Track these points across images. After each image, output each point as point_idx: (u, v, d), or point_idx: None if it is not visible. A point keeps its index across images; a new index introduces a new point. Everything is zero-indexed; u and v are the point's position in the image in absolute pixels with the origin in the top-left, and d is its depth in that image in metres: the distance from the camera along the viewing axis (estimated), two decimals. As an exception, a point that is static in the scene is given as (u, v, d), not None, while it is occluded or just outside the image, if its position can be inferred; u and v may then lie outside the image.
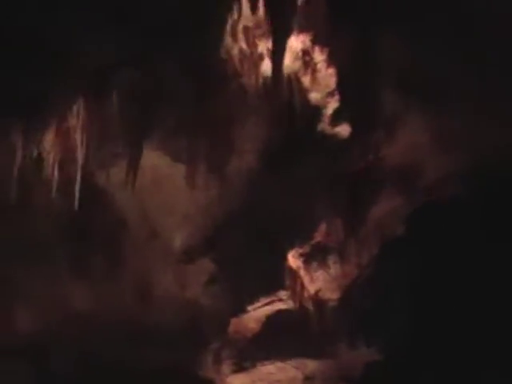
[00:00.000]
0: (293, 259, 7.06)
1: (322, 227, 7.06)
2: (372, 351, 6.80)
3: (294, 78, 6.95)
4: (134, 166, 7.59)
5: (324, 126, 6.92)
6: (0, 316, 8.94)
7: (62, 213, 8.60)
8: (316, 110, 6.97)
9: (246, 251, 7.79)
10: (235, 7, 6.62)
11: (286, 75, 6.99)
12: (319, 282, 7.01)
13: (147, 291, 8.78)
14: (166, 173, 8.08)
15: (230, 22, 6.70)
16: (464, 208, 6.63)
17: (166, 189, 8.22)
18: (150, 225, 8.56)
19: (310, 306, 7.11)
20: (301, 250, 7.10)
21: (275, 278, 7.27)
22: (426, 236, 6.73)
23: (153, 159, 8.04)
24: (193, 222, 8.26)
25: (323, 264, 7.00)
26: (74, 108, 7.24)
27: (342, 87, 6.75)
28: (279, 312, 7.40)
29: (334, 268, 6.99)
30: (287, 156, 7.47)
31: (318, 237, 7.06)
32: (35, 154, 7.40)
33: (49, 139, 7.40)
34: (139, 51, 6.85)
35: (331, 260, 7.01)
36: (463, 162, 6.42)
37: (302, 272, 7.09)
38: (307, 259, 7.02)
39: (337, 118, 6.84)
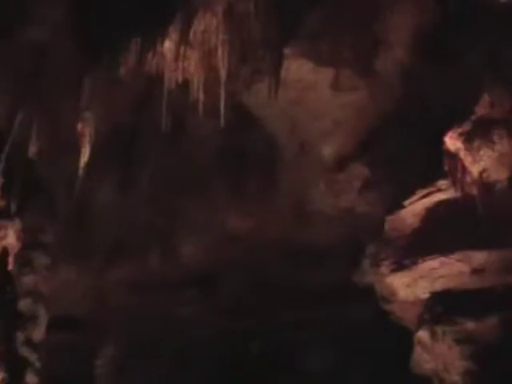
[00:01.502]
0: (451, 141, 5.83)
1: (485, 98, 5.61)
2: None
3: None
4: (276, 76, 6.45)
5: None
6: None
7: (214, 137, 7.83)
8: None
9: (400, 148, 6.58)
10: None
11: None
12: (483, 161, 5.55)
13: (302, 207, 7.78)
14: (311, 81, 6.98)
15: None
16: None
17: (313, 97, 7.14)
18: (299, 138, 7.55)
19: (474, 191, 5.64)
20: (460, 130, 5.73)
21: (433, 167, 5.97)
22: None
23: (295, 68, 6.83)
24: (342, 127, 7.15)
25: (487, 140, 5.55)
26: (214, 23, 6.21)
27: None
28: (439, 203, 6.21)
29: (501, 143, 5.51)
30: (442, 41, 6.12)
31: (481, 110, 5.62)
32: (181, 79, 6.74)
33: (193, 62, 6.38)
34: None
35: (496, 135, 5.55)
36: None
37: (462, 154, 5.72)
38: (468, 137, 5.63)
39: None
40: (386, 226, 6.75)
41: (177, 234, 8.77)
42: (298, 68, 7.34)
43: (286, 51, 6.99)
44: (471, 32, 6.05)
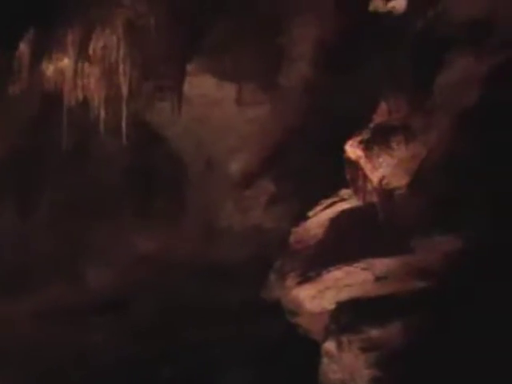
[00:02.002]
0: (351, 149, 5.83)
1: (383, 105, 5.67)
2: (450, 238, 5.33)
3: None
4: (178, 93, 6.37)
5: (377, 3, 5.59)
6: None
7: (118, 157, 7.65)
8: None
9: (305, 161, 6.59)
10: None
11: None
12: (382, 168, 5.60)
13: (210, 225, 7.67)
14: (215, 96, 6.93)
15: None
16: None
17: (218, 114, 7.08)
18: (205, 155, 7.46)
19: (375, 198, 5.67)
20: (359, 137, 5.77)
21: (336, 177, 5.98)
22: (505, 104, 5.23)
23: (199, 84, 6.74)
24: (248, 143, 7.11)
25: (386, 147, 5.61)
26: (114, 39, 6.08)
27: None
28: (343, 213, 6.17)
29: (399, 149, 5.59)
30: (342, 53, 6.19)
31: (379, 118, 5.68)
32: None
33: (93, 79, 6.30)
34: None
35: (394, 141, 5.62)
36: None
37: (362, 161, 5.75)
38: (367, 145, 5.67)
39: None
40: (291, 239, 6.71)
41: (82, 259, 8.45)
42: (201, 84, 7.25)
43: (189, 67, 6.88)
44: (369, 42, 6.13)
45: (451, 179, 5.59)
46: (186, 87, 7.12)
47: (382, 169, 5.83)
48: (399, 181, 5.84)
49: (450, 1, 5.42)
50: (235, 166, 7.70)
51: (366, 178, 5.98)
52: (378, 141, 5.79)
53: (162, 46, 6.37)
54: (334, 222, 6.41)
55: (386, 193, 5.90)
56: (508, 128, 5.48)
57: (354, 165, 6.00)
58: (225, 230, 8.04)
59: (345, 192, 6.37)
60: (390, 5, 5.87)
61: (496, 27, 5.26)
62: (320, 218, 6.48)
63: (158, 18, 6.19)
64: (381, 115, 5.82)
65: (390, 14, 5.89)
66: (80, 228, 8.14)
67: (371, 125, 5.88)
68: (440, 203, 5.68)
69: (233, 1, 6.26)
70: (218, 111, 7.52)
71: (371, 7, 5.98)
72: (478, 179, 5.52)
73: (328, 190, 6.44)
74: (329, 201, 6.46)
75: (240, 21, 6.34)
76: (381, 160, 5.82)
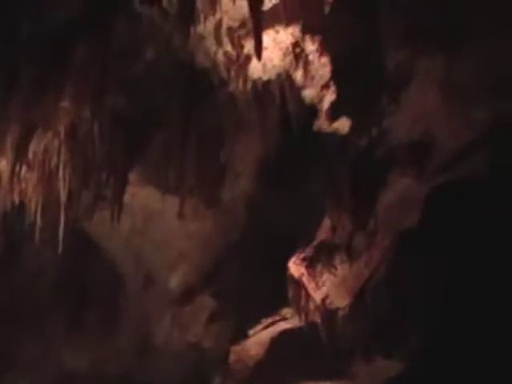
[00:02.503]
0: (294, 266, 5.67)
1: (326, 223, 5.58)
2: (392, 363, 5.10)
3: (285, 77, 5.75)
4: (119, 203, 6.20)
5: (321, 124, 5.63)
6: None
7: (52, 266, 7.34)
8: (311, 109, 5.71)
9: (245, 278, 6.40)
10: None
11: (275, 75, 5.73)
12: (326, 287, 5.42)
13: (147, 343, 7.29)
14: (157, 209, 6.78)
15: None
16: (490, 188, 5.10)
17: (159, 226, 6.89)
18: (144, 269, 7.20)
19: (317, 318, 5.45)
20: (303, 254, 5.62)
21: (277, 295, 5.77)
22: (447, 225, 5.20)
23: (141, 195, 6.59)
24: (189, 258, 6.92)
25: (329, 265, 5.46)
26: (56, 143, 5.96)
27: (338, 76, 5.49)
28: (284, 333, 5.87)
29: (342, 269, 5.45)
30: (285, 170, 6.18)
31: (322, 235, 5.57)
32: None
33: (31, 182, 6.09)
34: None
35: (338, 259, 5.48)
36: (483, 125, 4.98)
37: (305, 280, 5.58)
38: (311, 263, 5.51)
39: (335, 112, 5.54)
40: (231, 358, 6.35)
41: (7, 375, 7.88)
42: (143, 195, 7.07)
43: (131, 177, 6.72)
44: (312, 160, 6.11)
45: (392, 302, 5.39)
46: (128, 198, 6.89)
47: (325, 287, 5.62)
48: (342, 301, 5.63)
49: (392, 121, 5.43)
50: (175, 281, 7.38)
51: (308, 296, 5.75)
52: (321, 259, 5.61)
53: (104, 154, 6.17)
54: (275, 342, 6.09)
55: (328, 313, 5.64)
56: (447, 250, 5.35)
57: (297, 283, 5.77)
58: (161, 348, 7.61)
59: (286, 311, 6.10)
60: (335, 125, 5.86)
61: (435, 149, 5.27)
62: (260, 337, 6.19)
63: (101, 125, 6.01)
64: (325, 232, 5.69)
65: (333, 134, 5.86)
66: (7, 340, 7.58)
67: (315, 242, 5.70)
68: (381, 326, 5.44)
69: (177, 112, 6.15)
70: (159, 224, 7.28)
71: (315, 127, 5.96)
72: (419, 302, 5.31)
73: (269, 308, 6.18)
74: (269, 319, 6.17)
75: (183, 132, 6.24)
76: (324, 278, 5.63)
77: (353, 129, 5.73)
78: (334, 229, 5.63)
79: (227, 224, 7.14)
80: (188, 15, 5.44)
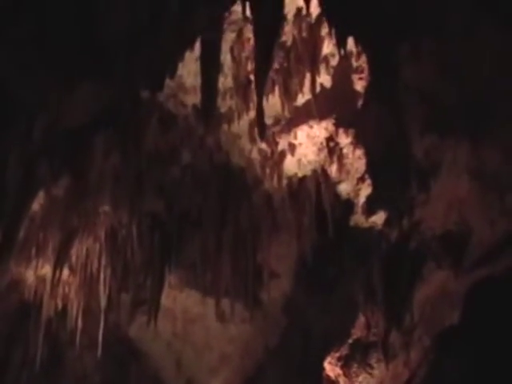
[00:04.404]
0: (330, 366, 5.38)
1: (361, 320, 5.32)
2: None
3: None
4: (156, 305, 6.16)
5: (358, 218, 5.54)
6: None
7: (94, 372, 7.26)
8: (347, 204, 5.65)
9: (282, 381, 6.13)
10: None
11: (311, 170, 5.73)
12: None
13: None
14: (198, 312, 6.69)
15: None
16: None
17: (199, 330, 6.77)
18: (186, 374, 7.03)
19: None
20: (338, 354, 5.34)
21: None
22: (488, 322, 4.85)
23: (180, 298, 6.54)
24: (230, 362, 6.72)
25: (364, 364, 5.14)
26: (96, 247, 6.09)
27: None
28: None
29: (379, 368, 5.11)
30: (321, 269, 6.04)
31: (357, 333, 5.30)
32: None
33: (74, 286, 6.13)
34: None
35: (373, 358, 5.16)
36: None
37: (341, 381, 5.24)
38: (346, 362, 5.20)
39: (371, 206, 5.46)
40: None
41: None
42: (183, 298, 6.97)
43: (170, 279, 6.65)
44: (346, 257, 5.92)
45: None
46: (169, 302, 6.79)
47: None
48: (378, 401, 5.22)
49: (425, 211, 5.23)
50: (215, 385, 7.10)
51: (346, 401, 5.35)
52: (357, 358, 5.27)
53: (143, 257, 6.15)
54: None
55: None
56: (491, 348, 4.95)
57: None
58: None
59: (324, 415, 5.70)
60: (371, 220, 5.69)
61: (472, 242, 5.00)
62: None
63: (139, 228, 6.02)
64: (359, 329, 5.39)
65: (370, 229, 5.69)
66: None
67: (350, 340, 5.39)
68: None
69: (211, 215, 6.12)
70: (200, 327, 7.11)
71: (352, 222, 5.81)
72: None
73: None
74: None
75: (219, 234, 6.18)
76: (360, 379, 5.25)
77: (387, 221, 5.53)
78: (368, 326, 5.30)
79: (267, 326, 6.89)
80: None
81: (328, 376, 5.41)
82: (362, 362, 5.20)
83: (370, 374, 5.24)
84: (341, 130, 5.63)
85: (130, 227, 6.00)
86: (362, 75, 5.36)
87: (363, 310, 5.32)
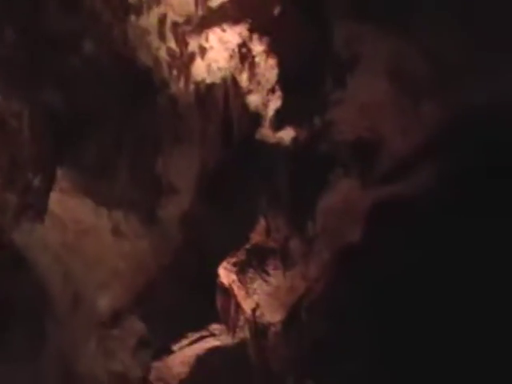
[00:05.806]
0: (224, 272, 4.98)
1: (261, 224, 4.94)
2: None
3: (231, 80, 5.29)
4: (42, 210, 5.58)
5: (265, 132, 5.12)
6: None
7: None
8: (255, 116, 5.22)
9: (176, 299, 5.70)
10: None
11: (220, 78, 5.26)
12: (257, 295, 4.73)
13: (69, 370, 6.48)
14: (90, 223, 6.09)
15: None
16: (440, 202, 4.52)
17: (90, 242, 6.19)
18: (73, 289, 6.48)
19: (246, 333, 4.74)
20: (234, 259, 4.96)
21: (207, 309, 5.06)
22: (393, 238, 4.59)
23: (72, 206, 6.08)
24: (121, 278, 6.23)
25: (261, 270, 4.79)
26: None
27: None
28: (211, 350, 5.13)
29: (275, 276, 4.77)
30: (224, 185, 5.59)
31: (256, 237, 4.93)
32: None
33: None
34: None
35: (271, 265, 4.81)
36: (438, 127, 4.47)
37: (235, 287, 4.87)
38: (242, 268, 4.83)
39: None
40: (151, 376, 5.52)
41: None
42: (74, 205, 6.42)
43: (62, 182, 6.07)
44: (249, 167, 5.54)
45: (331, 324, 4.68)
46: (59, 209, 6.21)
47: (256, 295, 4.90)
48: (273, 315, 4.92)
49: (337, 112, 4.89)
50: (104, 302, 6.64)
51: (238, 307, 5.02)
52: (253, 264, 4.93)
53: (32, 152, 5.54)
54: (201, 360, 5.31)
55: (258, 328, 4.90)
56: (391, 272, 4.71)
57: (227, 291, 5.07)
58: (86, 376, 6.78)
59: (215, 327, 5.36)
60: (278, 135, 5.32)
61: (382, 151, 4.71)
62: (185, 353, 5.39)
63: (31, 119, 5.41)
64: (258, 234, 5.04)
65: (277, 145, 5.31)
66: None
67: (247, 245, 5.04)
68: (317, 350, 4.72)
69: (111, 114, 5.58)
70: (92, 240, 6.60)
71: (258, 135, 5.42)
72: (361, 327, 4.62)
73: (197, 322, 5.43)
74: (196, 334, 5.39)
75: (118, 136, 5.66)
76: (255, 286, 4.92)
77: (295, 139, 5.17)
78: (268, 230, 4.96)
79: (163, 244, 6.48)
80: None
81: (222, 283, 5.04)
82: (259, 268, 4.85)
83: (266, 281, 4.96)
84: (255, 37, 5.18)
85: (21, 116, 5.36)
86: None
87: (265, 212, 4.95)
